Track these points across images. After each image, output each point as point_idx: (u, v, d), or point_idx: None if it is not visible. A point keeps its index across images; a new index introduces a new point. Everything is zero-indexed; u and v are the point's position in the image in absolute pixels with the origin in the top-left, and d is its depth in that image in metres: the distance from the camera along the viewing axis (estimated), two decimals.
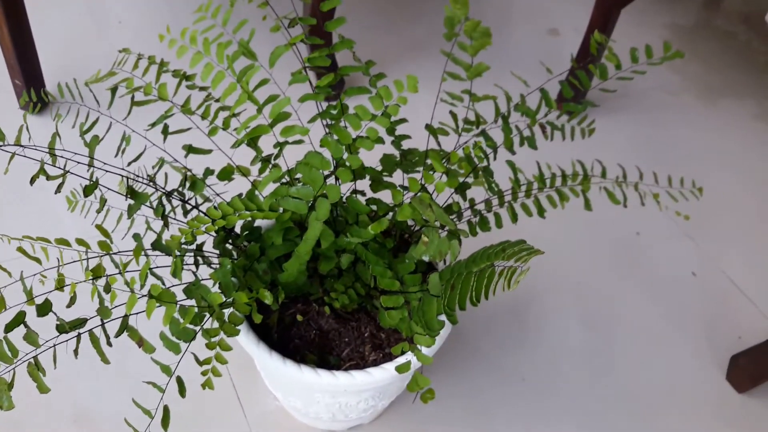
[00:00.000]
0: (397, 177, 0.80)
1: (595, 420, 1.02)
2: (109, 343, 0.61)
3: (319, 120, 0.74)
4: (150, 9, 1.65)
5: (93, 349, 0.61)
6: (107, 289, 0.63)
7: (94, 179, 0.69)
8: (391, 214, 0.78)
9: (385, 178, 0.80)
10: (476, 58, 0.57)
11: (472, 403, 1.02)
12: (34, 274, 0.67)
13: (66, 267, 0.67)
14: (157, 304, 0.61)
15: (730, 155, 1.51)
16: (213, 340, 0.67)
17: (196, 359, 0.67)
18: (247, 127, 0.74)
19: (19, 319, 0.57)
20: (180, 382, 0.64)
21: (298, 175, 0.76)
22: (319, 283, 0.80)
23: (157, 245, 0.70)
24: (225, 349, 0.67)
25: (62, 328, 0.60)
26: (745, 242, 1.32)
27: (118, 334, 0.61)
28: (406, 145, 0.81)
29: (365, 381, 0.75)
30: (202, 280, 0.70)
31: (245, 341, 0.76)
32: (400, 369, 0.71)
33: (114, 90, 0.72)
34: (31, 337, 0.57)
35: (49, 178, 0.67)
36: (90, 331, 0.62)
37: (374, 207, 0.78)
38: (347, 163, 0.71)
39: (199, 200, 0.78)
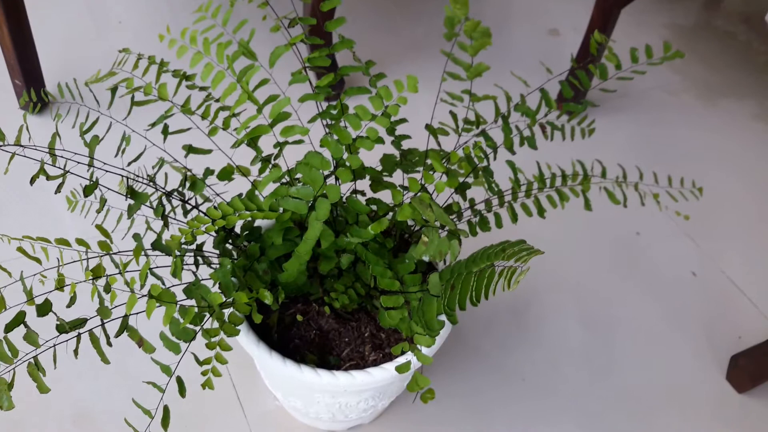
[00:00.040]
0: (397, 177, 0.80)
1: (594, 420, 1.02)
2: (109, 343, 0.61)
3: (319, 120, 0.74)
4: (150, 9, 1.65)
5: (93, 349, 0.61)
6: (107, 289, 0.63)
7: (94, 179, 0.69)
8: (391, 214, 0.78)
9: (385, 178, 0.80)
10: (476, 58, 0.57)
11: (472, 403, 1.02)
12: (34, 274, 0.67)
13: (66, 267, 0.67)
14: (157, 304, 0.61)
15: (729, 155, 1.51)
16: (213, 340, 0.67)
17: (196, 359, 0.67)
18: (247, 127, 0.74)
19: (19, 319, 0.57)
20: (180, 382, 0.65)
21: (298, 175, 0.76)
22: (319, 283, 0.80)
23: (157, 245, 0.70)
24: (225, 349, 0.67)
25: (62, 328, 0.60)
26: (745, 242, 1.32)
27: (118, 334, 0.62)
28: (406, 145, 0.81)
29: (365, 381, 0.75)
30: (202, 280, 0.70)
31: (245, 341, 0.76)
32: (400, 369, 0.71)
33: (114, 90, 0.72)
34: (31, 337, 0.57)
35: (49, 178, 0.66)
36: (90, 331, 0.62)
37: (374, 207, 0.78)
38: (347, 163, 0.71)
39: (199, 200, 0.78)
